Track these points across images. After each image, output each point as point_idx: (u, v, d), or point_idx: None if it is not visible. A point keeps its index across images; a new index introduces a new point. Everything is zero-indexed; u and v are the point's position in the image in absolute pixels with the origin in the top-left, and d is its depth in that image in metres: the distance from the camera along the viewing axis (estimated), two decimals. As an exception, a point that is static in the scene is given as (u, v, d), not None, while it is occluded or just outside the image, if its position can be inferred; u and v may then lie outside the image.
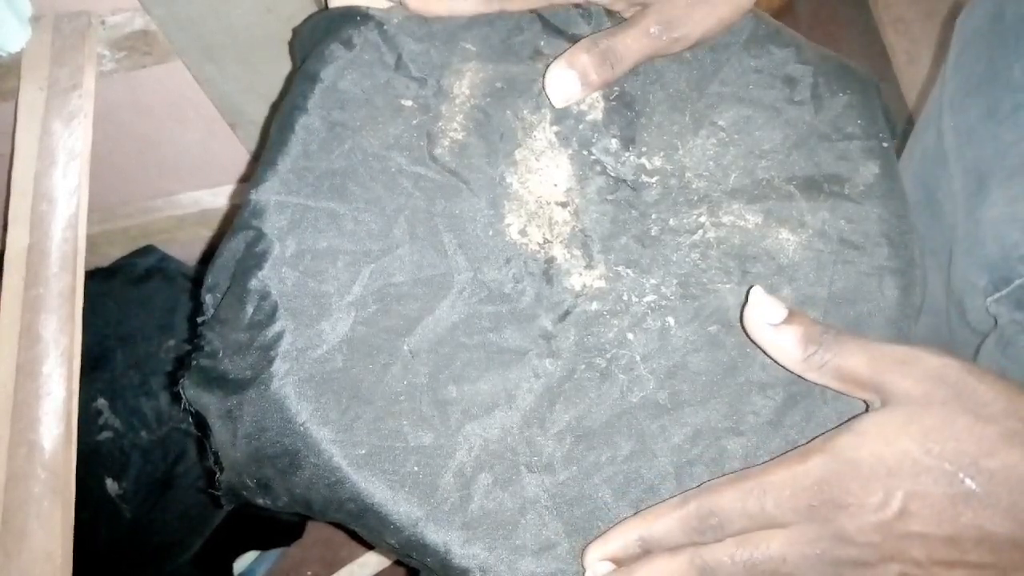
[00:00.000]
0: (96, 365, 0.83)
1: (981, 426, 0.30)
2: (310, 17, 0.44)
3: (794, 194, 0.41)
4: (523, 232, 0.40)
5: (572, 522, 0.35)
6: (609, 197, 0.41)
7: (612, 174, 0.41)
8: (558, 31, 0.43)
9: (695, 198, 0.41)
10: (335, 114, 0.40)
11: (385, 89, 0.41)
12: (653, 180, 0.42)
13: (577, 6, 0.44)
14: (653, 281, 0.39)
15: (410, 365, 0.36)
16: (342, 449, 0.34)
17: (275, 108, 0.62)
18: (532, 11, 0.43)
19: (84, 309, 0.54)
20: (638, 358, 0.38)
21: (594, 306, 0.39)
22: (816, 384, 0.35)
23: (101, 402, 0.82)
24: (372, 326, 0.36)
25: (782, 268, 0.40)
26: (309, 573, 0.98)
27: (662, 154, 0.42)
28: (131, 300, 0.87)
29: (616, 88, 0.43)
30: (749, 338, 0.36)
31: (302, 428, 0.34)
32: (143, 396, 0.83)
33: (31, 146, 0.59)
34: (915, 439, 0.30)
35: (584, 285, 0.39)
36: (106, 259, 0.91)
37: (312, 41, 0.42)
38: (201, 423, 0.37)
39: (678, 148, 0.42)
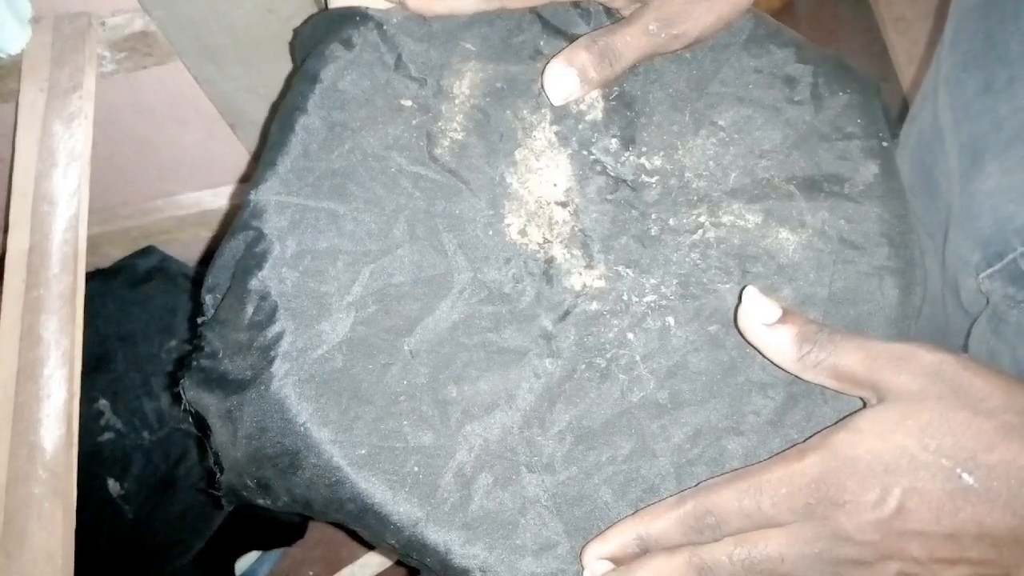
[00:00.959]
0: (97, 366, 0.83)
1: (978, 421, 0.30)
2: (310, 17, 0.44)
3: (794, 194, 0.41)
4: (523, 232, 0.40)
5: (572, 522, 0.35)
6: (609, 197, 0.41)
7: (612, 174, 0.41)
8: (558, 31, 0.43)
9: (695, 198, 0.41)
10: (335, 114, 0.40)
11: (385, 89, 0.41)
12: (653, 180, 0.42)
13: (576, 5, 0.44)
14: (653, 281, 0.39)
15: (410, 365, 0.36)
16: (342, 449, 0.34)
17: (275, 108, 0.63)
18: (532, 10, 0.43)
19: (85, 310, 0.54)
20: (638, 358, 0.38)
21: (594, 306, 0.39)
22: (813, 383, 0.35)
23: (102, 403, 0.82)
24: (372, 326, 0.36)
25: (782, 268, 0.40)
26: (310, 573, 0.99)
27: (662, 154, 0.42)
28: (132, 301, 0.87)
29: (616, 88, 0.43)
30: (744, 338, 0.36)
31: (302, 428, 0.34)
32: (144, 397, 0.83)
33: (31, 147, 0.59)
34: (912, 435, 0.30)
35: (584, 285, 0.39)
36: (107, 260, 0.91)
37: (312, 41, 0.42)
38: (201, 423, 0.37)
39: (678, 148, 0.42)
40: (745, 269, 0.40)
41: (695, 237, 0.40)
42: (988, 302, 0.44)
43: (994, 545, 0.29)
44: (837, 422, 0.33)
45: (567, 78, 0.40)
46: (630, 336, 0.38)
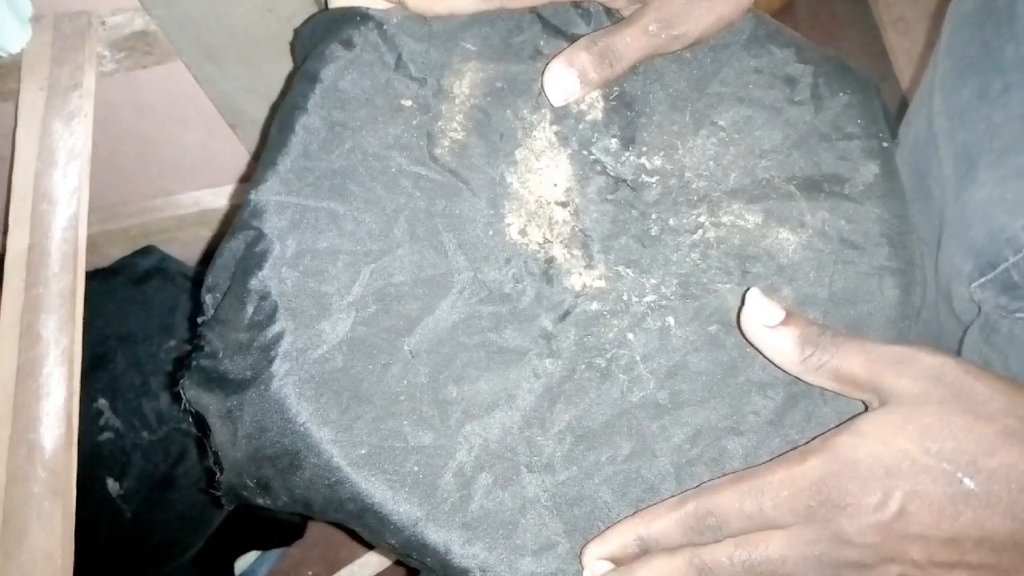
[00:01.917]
0: (96, 365, 0.83)
1: (980, 425, 0.30)
2: (311, 17, 0.44)
3: (794, 194, 0.41)
4: (523, 232, 0.40)
5: (572, 522, 0.35)
6: (609, 197, 0.41)
7: (612, 174, 0.41)
8: (558, 31, 0.43)
9: (695, 198, 0.41)
10: (335, 114, 0.40)
11: (385, 89, 0.41)
12: (653, 180, 0.42)
13: (576, 5, 0.44)
14: (653, 281, 0.39)
15: (410, 365, 0.36)
16: (342, 449, 0.34)
17: (275, 108, 0.63)
18: (532, 10, 0.43)
19: (84, 309, 0.54)
20: (638, 358, 0.38)
21: (594, 306, 0.39)
22: (814, 385, 0.35)
23: (102, 402, 0.82)
24: (372, 326, 0.36)
25: (782, 268, 0.40)
26: (310, 573, 0.99)
27: (662, 154, 0.42)
28: (131, 300, 0.87)
29: (616, 88, 0.43)
30: (746, 339, 0.36)
31: (302, 428, 0.34)
32: (144, 396, 0.83)
33: (31, 146, 0.59)
34: (913, 439, 0.30)
35: (584, 285, 0.39)
36: (106, 259, 0.91)
37: (312, 41, 0.42)
38: (201, 423, 0.37)
39: (678, 148, 0.42)
40: (745, 269, 0.40)
41: (695, 237, 0.40)
42: (980, 311, 0.44)
43: (994, 550, 0.29)
44: (838, 425, 0.33)
45: (567, 79, 0.40)
46: (630, 336, 0.38)
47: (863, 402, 0.34)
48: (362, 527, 0.35)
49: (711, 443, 0.36)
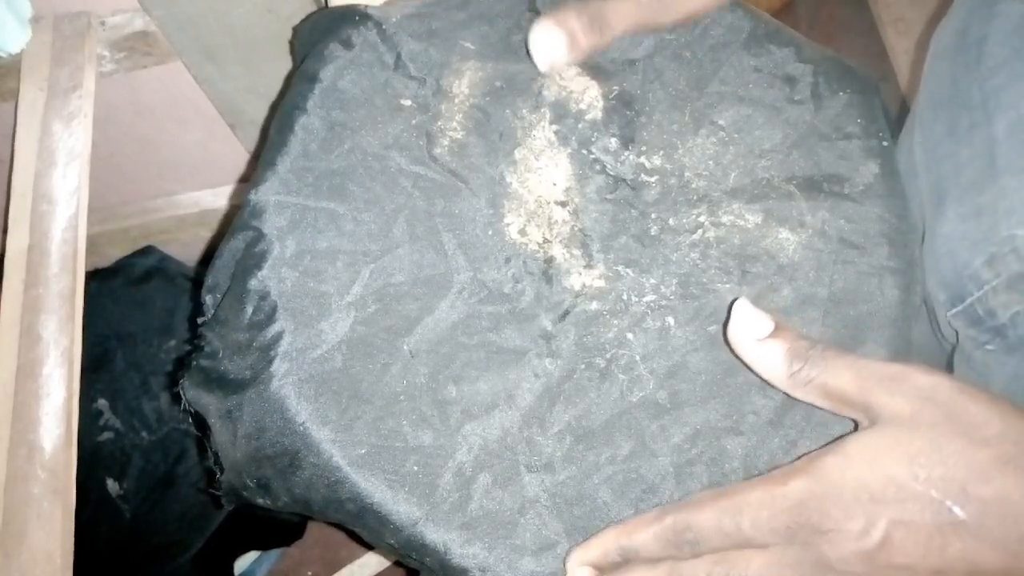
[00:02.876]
0: (96, 366, 0.83)
1: (973, 450, 0.28)
2: (309, 16, 0.44)
3: (794, 193, 0.41)
4: (523, 232, 0.40)
5: (572, 522, 0.35)
6: (608, 196, 0.41)
7: (612, 173, 0.41)
8: (557, 31, 0.43)
9: (695, 197, 0.41)
10: (334, 114, 0.40)
11: (384, 89, 0.41)
12: (653, 179, 0.42)
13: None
14: (653, 281, 0.39)
15: (410, 365, 0.36)
16: (342, 449, 0.34)
17: (275, 108, 0.62)
18: (530, 8, 0.43)
19: (84, 310, 0.54)
20: (638, 358, 0.38)
21: (594, 306, 0.39)
22: (802, 401, 0.35)
23: (101, 403, 0.82)
24: (372, 326, 0.36)
25: (782, 268, 0.40)
26: (309, 573, 0.98)
27: (662, 153, 0.42)
28: (131, 300, 0.87)
29: (616, 87, 0.43)
30: (733, 353, 0.35)
31: (302, 428, 0.34)
32: (143, 396, 0.83)
33: (31, 147, 0.59)
34: (901, 463, 0.29)
35: (584, 285, 0.39)
36: (106, 259, 0.91)
37: (311, 40, 0.42)
38: (201, 423, 0.37)
39: (678, 147, 0.42)
40: (745, 269, 0.40)
41: (695, 237, 0.40)
42: (958, 338, 0.44)
43: None
44: (825, 445, 0.32)
45: (555, 41, 0.39)
46: (630, 336, 0.38)
47: (853, 421, 0.33)
48: (362, 527, 0.35)
49: (711, 443, 0.36)
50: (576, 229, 0.40)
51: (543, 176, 0.41)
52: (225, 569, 0.89)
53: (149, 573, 0.80)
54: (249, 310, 0.36)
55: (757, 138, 0.42)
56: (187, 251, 0.94)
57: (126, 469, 0.80)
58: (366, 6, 0.42)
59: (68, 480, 0.49)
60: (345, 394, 0.35)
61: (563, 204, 0.41)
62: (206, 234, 0.93)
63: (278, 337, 0.35)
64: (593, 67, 0.43)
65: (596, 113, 0.42)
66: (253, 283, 0.36)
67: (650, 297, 0.39)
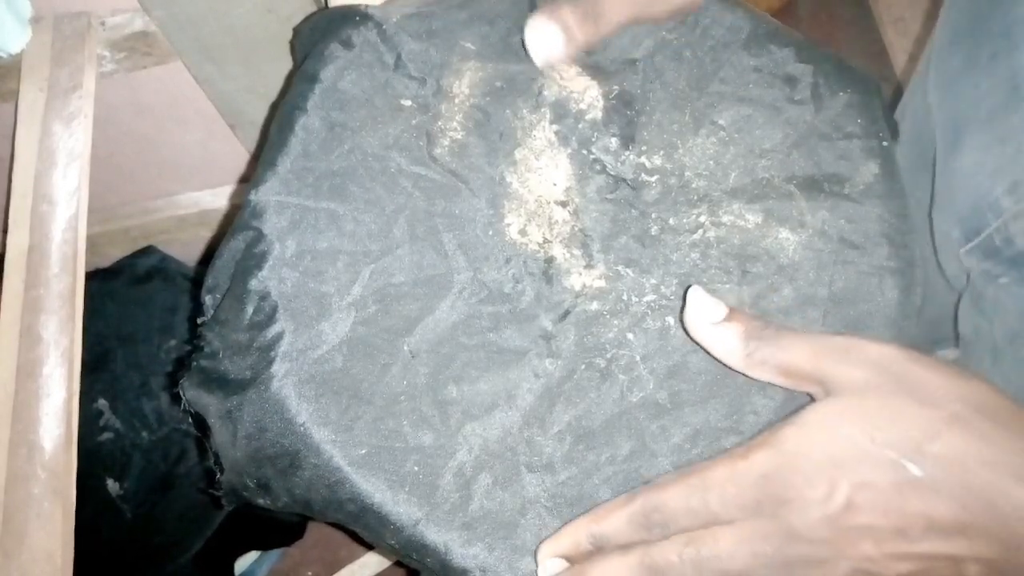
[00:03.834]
0: (97, 366, 0.83)
1: (925, 411, 0.29)
2: (310, 16, 0.44)
3: (794, 193, 0.41)
4: (523, 232, 0.40)
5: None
6: (609, 196, 0.41)
7: (612, 173, 0.41)
8: (558, 31, 0.43)
9: (695, 197, 0.41)
10: (335, 114, 0.40)
11: (384, 89, 0.41)
12: (653, 179, 0.42)
13: None
14: (653, 281, 0.39)
15: (410, 365, 0.36)
16: (342, 449, 0.34)
17: (275, 108, 0.62)
18: (530, 7, 0.43)
19: (84, 310, 0.54)
20: (638, 358, 0.38)
21: (594, 306, 0.39)
22: (760, 381, 0.35)
23: (102, 403, 0.82)
24: (372, 326, 0.36)
25: (782, 268, 0.40)
26: (309, 573, 0.99)
27: (662, 153, 0.42)
28: (131, 301, 0.87)
29: (616, 87, 0.43)
30: (691, 338, 0.36)
31: (302, 428, 0.34)
32: (144, 397, 0.83)
33: (31, 147, 0.59)
34: (858, 427, 0.30)
35: (584, 285, 0.39)
36: (107, 260, 0.91)
37: (312, 41, 0.42)
38: (201, 424, 0.37)
39: (678, 147, 0.42)
40: (745, 269, 0.40)
41: (695, 237, 0.40)
42: (969, 278, 0.44)
43: (944, 538, 0.29)
44: (784, 417, 0.33)
45: (551, 35, 0.39)
46: (630, 336, 0.38)
47: (809, 395, 0.34)
48: (362, 527, 0.35)
49: (711, 443, 0.36)
50: (576, 229, 0.40)
51: (543, 176, 0.41)
52: (225, 569, 0.89)
53: (149, 573, 0.80)
54: (249, 310, 0.36)
55: (757, 138, 0.42)
56: (187, 251, 0.94)
57: (126, 469, 0.80)
58: (366, 6, 0.42)
59: (68, 480, 0.49)
60: (345, 394, 0.35)
61: (563, 204, 0.41)
62: (206, 234, 0.93)
63: (278, 337, 0.35)
64: (593, 67, 0.43)
65: (596, 113, 0.42)
66: (253, 283, 0.36)
67: (650, 297, 0.39)
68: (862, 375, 0.31)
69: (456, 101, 0.41)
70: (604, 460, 0.36)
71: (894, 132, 0.45)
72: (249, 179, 0.57)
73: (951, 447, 0.29)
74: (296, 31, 0.44)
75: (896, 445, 0.29)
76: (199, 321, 0.38)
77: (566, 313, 0.38)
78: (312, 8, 0.63)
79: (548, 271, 0.39)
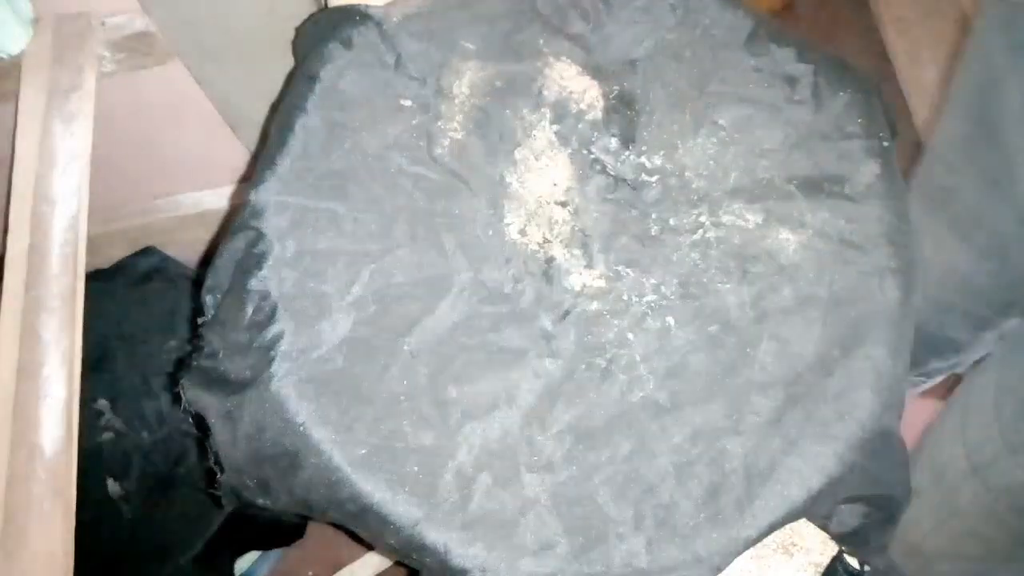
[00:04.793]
0: (97, 366, 0.83)
1: None
2: (310, 17, 0.44)
3: (794, 194, 0.41)
4: (523, 232, 0.40)
5: (572, 522, 0.35)
6: (609, 196, 0.41)
7: (612, 173, 0.41)
8: (557, 30, 0.43)
9: (695, 197, 0.41)
10: (335, 114, 0.40)
11: (385, 89, 0.41)
12: (653, 179, 0.42)
13: (575, 4, 0.44)
14: (653, 281, 0.39)
15: (410, 365, 0.36)
16: (342, 449, 0.34)
17: (275, 108, 0.62)
18: (531, 9, 0.43)
19: (85, 310, 0.54)
20: (638, 358, 0.38)
21: (594, 306, 0.39)
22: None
23: (102, 403, 0.82)
24: (372, 326, 0.36)
25: (782, 268, 0.40)
26: (310, 573, 0.98)
27: (662, 153, 0.42)
28: (132, 301, 0.87)
29: (616, 87, 0.43)
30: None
31: (302, 428, 0.34)
32: (144, 397, 0.83)
33: (31, 148, 0.59)
34: None
35: (584, 285, 0.39)
36: (107, 260, 0.91)
37: (312, 40, 0.42)
38: (201, 423, 0.37)
39: (678, 147, 0.42)
40: (745, 269, 0.40)
41: (695, 237, 0.40)
42: None
43: None
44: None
45: None
46: (630, 336, 0.38)
47: None
48: (362, 527, 0.35)
49: (711, 443, 0.36)
50: (576, 229, 0.40)
51: (543, 176, 0.41)
52: (225, 569, 0.89)
53: (149, 573, 0.80)
54: (249, 310, 0.36)
55: (758, 138, 0.42)
56: (187, 252, 0.94)
57: (127, 469, 0.80)
58: (367, 6, 0.42)
59: (68, 480, 0.49)
60: (345, 394, 0.35)
61: (563, 204, 0.41)
62: (206, 235, 0.93)
63: (278, 337, 0.35)
64: (593, 67, 0.43)
65: (596, 113, 0.42)
66: (253, 283, 0.36)
67: (650, 297, 0.39)
68: None
69: (456, 101, 0.41)
70: (604, 460, 0.36)
71: (894, 132, 0.45)
72: (249, 179, 0.57)
73: None
74: (298, 31, 0.44)
75: None
76: (199, 321, 0.38)
77: (566, 313, 0.38)
78: (312, 8, 0.63)
79: (548, 271, 0.39)
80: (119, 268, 0.90)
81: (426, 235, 0.38)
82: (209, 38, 0.64)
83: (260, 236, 0.37)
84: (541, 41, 0.43)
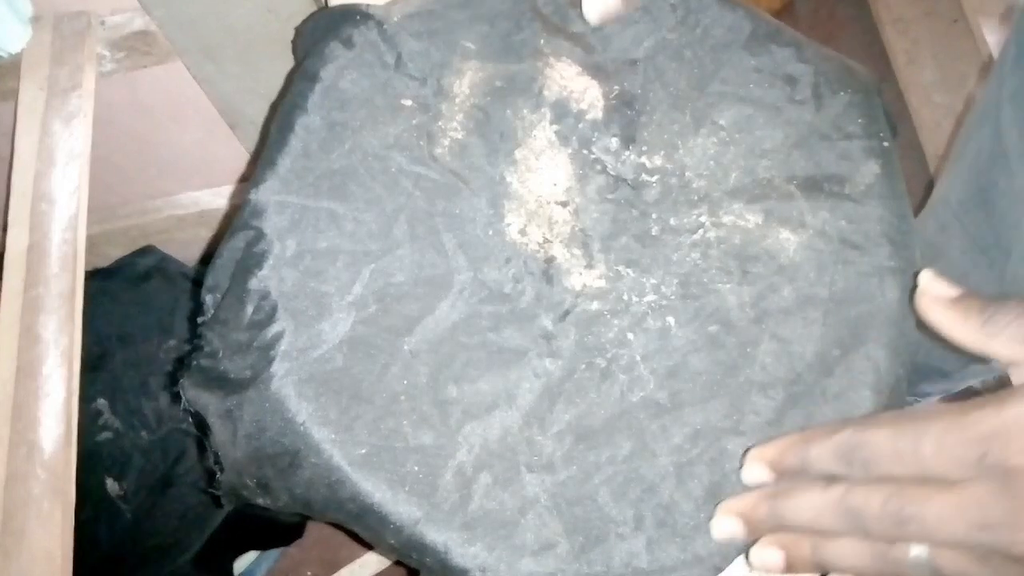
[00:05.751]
0: (96, 365, 0.83)
1: None
2: (311, 16, 0.44)
3: (795, 194, 0.41)
4: (523, 232, 0.40)
5: (572, 522, 0.35)
6: (609, 196, 0.41)
7: (612, 173, 0.41)
8: (557, 29, 0.43)
9: (695, 197, 0.41)
10: (335, 114, 0.40)
11: (385, 88, 0.41)
12: (653, 179, 0.41)
13: (575, 4, 0.44)
14: (653, 281, 0.39)
15: (410, 365, 0.36)
16: (342, 449, 0.34)
17: (275, 108, 0.62)
18: (531, 9, 0.43)
19: (84, 309, 0.54)
20: (638, 358, 0.38)
21: (594, 306, 0.39)
22: (986, 354, 0.31)
23: (101, 402, 0.82)
24: (372, 326, 0.36)
25: (783, 268, 0.40)
26: (309, 573, 0.98)
27: (662, 153, 0.42)
28: (131, 300, 0.87)
29: (616, 87, 0.43)
30: (923, 319, 0.33)
31: (302, 428, 0.34)
32: (143, 396, 0.83)
33: (31, 146, 0.59)
34: None
35: (584, 285, 0.39)
36: (106, 259, 0.91)
37: (312, 40, 0.42)
38: (201, 423, 0.37)
39: (678, 147, 0.42)
40: (746, 269, 0.40)
41: (695, 237, 0.40)
42: None
43: None
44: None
45: None
46: (630, 336, 0.38)
47: None
48: (362, 527, 0.35)
49: (711, 443, 0.36)
50: (576, 229, 0.40)
51: (543, 176, 0.41)
52: (225, 569, 0.89)
53: (149, 573, 0.80)
54: (249, 310, 0.36)
55: (758, 138, 0.42)
56: (187, 251, 0.94)
57: (126, 469, 0.80)
58: (367, 6, 0.42)
59: (68, 480, 0.49)
60: (345, 394, 0.35)
61: (563, 204, 0.41)
62: (206, 234, 0.93)
63: (278, 337, 0.35)
64: (593, 67, 0.43)
65: (597, 113, 0.42)
66: (253, 283, 0.36)
67: (651, 297, 0.39)
68: None
69: (456, 101, 0.41)
70: (604, 460, 0.36)
71: (894, 132, 0.45)
72: (249, 179, 0.57)
73: None
74: (298, 30, 0.44)
75: None
76: (199, 320, 0.38)
77: (566, 313, 0.38)
78: (312, 8, 0.63)
79: (548, 271, 0.39)
80: (118, 267, 0.90)
81: (426, 235, 0.38)
82: (209, 37, 0.64)
83: (260, 235, 0.37)
84: (541, 41, 0.43)
